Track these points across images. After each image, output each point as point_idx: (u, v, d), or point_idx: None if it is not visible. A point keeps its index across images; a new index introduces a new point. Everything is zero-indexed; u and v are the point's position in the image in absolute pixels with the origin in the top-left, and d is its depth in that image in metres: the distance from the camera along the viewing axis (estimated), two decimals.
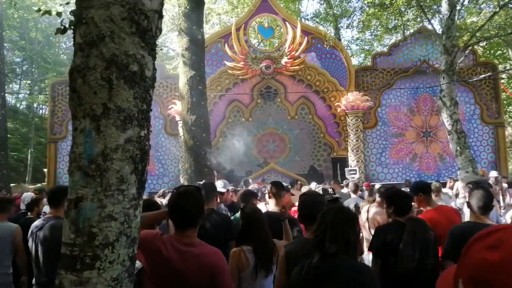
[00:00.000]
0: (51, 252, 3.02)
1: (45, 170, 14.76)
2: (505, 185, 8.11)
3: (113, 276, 1.43)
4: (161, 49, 19.71)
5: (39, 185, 14.74)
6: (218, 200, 4.92)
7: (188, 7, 7.68)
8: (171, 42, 26.81)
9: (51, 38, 23.66)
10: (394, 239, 2.75)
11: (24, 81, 25.61)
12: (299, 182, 8.69)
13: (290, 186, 7.43)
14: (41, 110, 27.38)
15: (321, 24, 21.02)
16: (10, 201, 4.68)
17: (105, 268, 1.42)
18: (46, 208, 4.77)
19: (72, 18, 1.66)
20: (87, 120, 1.50)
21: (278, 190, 3.72)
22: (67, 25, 1.88)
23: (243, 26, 13.95)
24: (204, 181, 6.24)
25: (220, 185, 5.17)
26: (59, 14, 2.24)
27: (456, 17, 8.17)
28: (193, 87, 7.45)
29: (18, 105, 27.28)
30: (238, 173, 13.59)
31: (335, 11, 20.29)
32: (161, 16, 1.71)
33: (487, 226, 2.79)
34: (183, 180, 7.87)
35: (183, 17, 7.72)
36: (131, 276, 1.53)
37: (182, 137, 8.66)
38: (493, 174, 8.53)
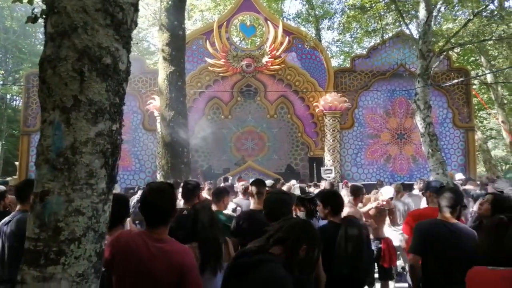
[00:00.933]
0: (16, 247, 2.93)
1: (17, 163, 14.32)
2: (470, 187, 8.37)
3: (78, 271, 1.40)
4: (137, 43, 19.43)
5: (9, 178, 14.29)
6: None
7: (170, 2, 7.59)
8: (152, 37, 26.44)
9: (27, 27, 22.93)
10: (330, 241, 2.73)
11: None
12: (281, 180, 8.71)
13: (271, 184, 7.46)
14: (14, 102, 26.52)
15: (303, 25, 21.17)
16: None
17: (70, 264, 1.39)
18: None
19: (44, 7, 1.62)
20: (56, 112, 1.46)
21: (260, 188, 3.72)
22: (38, 14, 1.82)
23: (225, 23, 13.91)
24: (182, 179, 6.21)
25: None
26: (30, 2, 2.18)
27: (432, 22, 8.38)
28: (173, 83, 7.38)
29: None
30: (216, 170, 13.56)
31: (316, 12, 20.46)
32: (136, 9, 1.68)
33: (451, 225, 2.89)
34: (159, 176, 7.79)
35: (165, 12, 7.63)
36: (98, 272, 1.50)
37: (160, 133, 8.56)
38: (459, 176, 8.81)
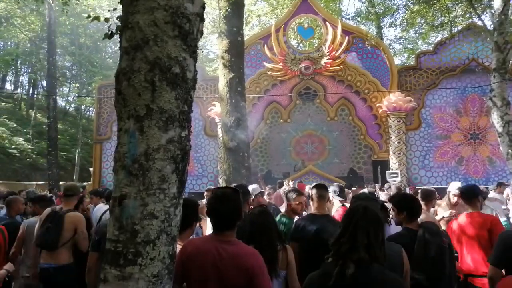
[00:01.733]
0: None
1: (91, 169, 15.45)
2: None
3: (154, 272, 1.47)
4: (201, 51, 20.15)
5: (85, 183, 15.47)
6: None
7: (228, 10, 7.78)
8: (212, 44, 27.30)
9: (99, 43, 24.80)
10: (406, 249, 2.49)
11: (73, 84, 26.99)
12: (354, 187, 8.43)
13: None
14: (88, 112, 28.78)
15: (363, 23, 20.56)
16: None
17: (146, 265, 1.46)
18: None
19: (119, 23, 1.73)
20: (131, 121, 1.55)
21: (321, 192, 3.66)
22: (114, 30, 1.95)
23: (282, 27, 13.94)
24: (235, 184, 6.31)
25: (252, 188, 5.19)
26: (107, 20, 2.34)
27: (509, 11, 7.74)
28: (233, 89, 7.53)
29: (67, 107, 28.84)
30: (276, 174, 13.59)
31: (377, 10, 19.78)
32: (202, 19, 1.74)
33: None
34: (221, 181, 7.98)
35: (223, 20, 7.83)
36: (171, 273, 1.56)
37: (221, 138, 8.78)
38: None
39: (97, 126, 14.88)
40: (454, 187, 4.57)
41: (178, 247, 2.15)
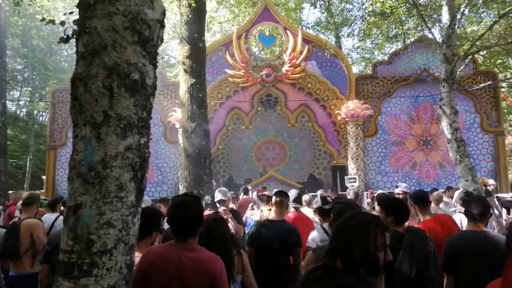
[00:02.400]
0: None
1: (44, 177, 14.74)
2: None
3: (110, 283, 1.44)
4: (162, 57, 19.87)
5: (37, 192, 14.70)
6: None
7: (189, 16, 7.73)
8: (172, 50, 26.98)
9: (53, 45, 23.79)
10: (393, 252, 2.58)
11: (25, 88, 25.68)
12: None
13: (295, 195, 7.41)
14: (41, 117, 27.45)
15: (322, 33, 21.14)
16: None
17: (102, 275, 1.42)
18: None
19: (75, 27, 1.68)
20: (87, 128, 1.51)
21: (282, 198, 3.73)
22: (70, 34, 1.90)
23: (244, 34, 14.05)
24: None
25: (219, 194, 5.18)
26: (62, 23, 2.27)
27: (456, 26, 8.22)
28: (194, 95, 7.47)
29: (18, 112, 27.33)
30: (238, 180, 13.59)
31: (336, 20, 20.41)
32: (162, 26, 1.73)
33: (484, 233, 2.76)
34: (182, 188, 7.87)
35: (185, 26, 7.77)
36: (128, 284, 1.53)
37: (182, 144, 8.67)
38: (491, 181, 8.55)
39: (51, 132, 14.24)
40: (398, 189, 4.78)
41: (137, 256, 2.11)
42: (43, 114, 26.21)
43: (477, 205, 2.85)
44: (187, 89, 7.53)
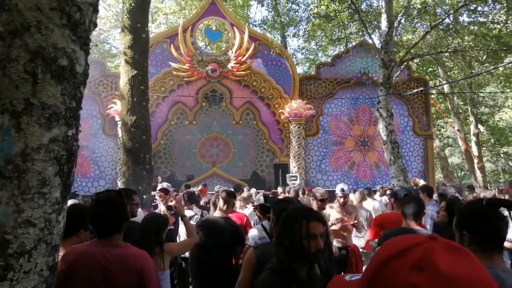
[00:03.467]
0: None
1: None
2: None
3: (28, 287, 1.31)
4: (96, 45, 18.87)
5: None
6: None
7: (132, 4, 7.41)
8: (114, 39, 25.80)
9: None
10: None
11: None
12: (244, 188, 8.72)
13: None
14: None
15: (269, 31, 21.37)
16: None
17: (19, 279, 1.29)
18: None
19: None
20: (6, 116, 1.36)
21: (229, 198, 3.72)
22: None
23: (190, 27, 13.79)
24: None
25: (165, 185, 5.07)
26: None
27: (393, 33, 8.69)
28: (135, 87, 7.19)
29: None
30: (180, 177, 13.34)
31: (282, 19, 20.73)
32: (96, 10, 1.61)
33: (412, 231, 2.93)
34: (120, 183, 7.55)
35: (127, 14, 7.44)
36: (50, 287, 1.41)
37: (121, 138, 8.32)
38: (422, 182, 9.15)
39: None
40: (338, 189, 4.96)
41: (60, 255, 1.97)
42: None
43: (413, 204, 3.04)
44: (128, 81, 7.23)
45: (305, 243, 1.72)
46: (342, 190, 4.76)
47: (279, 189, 8.68)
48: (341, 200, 4.80)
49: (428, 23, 11.01)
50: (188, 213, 4.62)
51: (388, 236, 3.00)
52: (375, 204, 6.46)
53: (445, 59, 17.20)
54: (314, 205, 4.50)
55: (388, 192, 7.94)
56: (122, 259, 1.92)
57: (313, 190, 5.57)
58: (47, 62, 1.40)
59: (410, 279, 0.58)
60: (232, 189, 4.13)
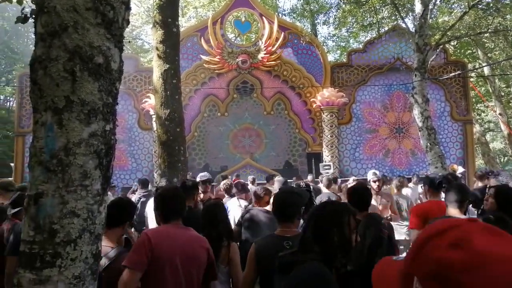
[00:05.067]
0: None
1: (12, 164, 14.26)
2: None
3: (75, 274, 1.40)
4: (129, 41, 19.28)
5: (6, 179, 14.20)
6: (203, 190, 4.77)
7: (163, 0, 7.53)
8: (146, 34, 26.33)
9: (19, 27, 22.80)
10: None
11: None
12: (275, 177, 8.76)
13: (266, 181, 7.44)
14: (8, 103, 26.39)
15: (298, 20, 21.11)
16: None
17: (66, 266, 1.38)
18: None
19: (34, 6, 1.59)
20: (48, 113, 1.45)
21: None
22: (28, 14, 1.80)
23: (219, 20, 13.84)
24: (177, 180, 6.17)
25: (203, 175, 5.06)
26: (20, 2, 2.15)
27: (428, 16, 8.36)
28: (167, 81, 7.32)
29: None
30: (214, 168, 13.53)
31: (312, 7, 20.40)
32: (128, 8, 1.66)
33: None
34: (156, 176, 7.77)
35: (158, 9, 7.56)
36: (95, 274, 1.49)
37: (156, 131, 8.53)
38: (461, 169, 8.84)
39: (19, 118, 13.74)
40: (369, 175, 4.86)
41: (105, 245, 2.10)
42: (10, 99, 25.20)
43: (455, 191, 2.92)
44: (160, 75, 7.38)
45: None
46: (375, 174, 4.68)
47: (309, 177, 8.63)
48: (376, 185, 4.70)
49: (466, 3, 10.51)
50: (242, 202, 4.66)
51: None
52: (408, 191, 6.31)
53: (485, 40, 16.38)
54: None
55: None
56: (195, 238, 2.35)
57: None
58: (84, 61, 1.47)
59: (446, 254, 0.63)
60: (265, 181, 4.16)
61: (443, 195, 4.20)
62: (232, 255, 2.73)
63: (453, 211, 2.88)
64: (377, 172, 4.78)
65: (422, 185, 5.39)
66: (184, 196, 2.48)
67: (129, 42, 20.27)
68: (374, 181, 4.67)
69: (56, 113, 1.44)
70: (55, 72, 1.44)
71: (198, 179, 4.82)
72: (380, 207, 4.58)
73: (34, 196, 1.41)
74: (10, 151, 19.69)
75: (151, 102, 12.46)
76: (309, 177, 8.61)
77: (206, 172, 5.29)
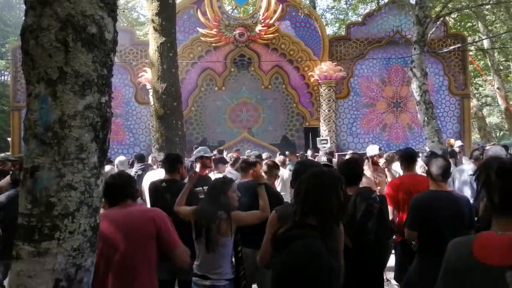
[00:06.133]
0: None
1: (9, 139, 14.20)
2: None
3: (74, 246, 1.40)
4: (123, 11, 18.84)
5: (2, 154, 14.19)
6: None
7: None
8: (142, 7, 25.73)
9: None
10: None
11: None
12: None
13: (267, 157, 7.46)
14: (2, 77, 26.01)
15: None
16: None
17: (65, 239, 1.38)
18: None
19: None
20: (42, 85, 1.42)
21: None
22: None
23: None
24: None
25: (201, 150, 5.01)
26: None
27: None
28: (164, 54, 7.19)
29: None
30: (211, 142, 13.54)
31: None
32: None
33: (447, 193, 2.86)
34: (154, 150, 7.77)
35: None
36: (93, 246, 1.50)
37: (153, 105, 8.45)
38: (458, 143, 8.87)
39: (14, 92, 13.58)
40: (373, 150, 4.86)
41: None
42: (5, 73, 24.82)
43: (438, 165, 2.91)
44: (157, 48, 7.24)
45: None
46: (380, 149, 4.70)
47: (309, 152, 8.64)
48: (382, 160, 4.75)
49: None
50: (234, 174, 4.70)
51: (420, 201, 2.90)
52: (397, 166, 6.36)
53: (486, 12, 16.10)
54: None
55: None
56: (138, 212, 2.34)
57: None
58: (77, 30, 1.42)
59: None
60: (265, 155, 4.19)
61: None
62: (238, 221, 2.77)
63: (441, 184, 2.88)
64: (377, 148, 4.80)
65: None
66: (127, 182, 2.46)
67: (123, 11, 19.81)
68: (381, 157, 4.74)
69: (49, 85, 1.40)
70: (47, 42, 1.39)
71: (194, 157, 4.88)
72: (377, 181, 4.61)
73: (30, 169, 1.40)
74: (6, 126, 19.55)
75: (147, 76, 12.31)
76: (309, 152, 8.58)
77: (201, 147, 5.23)
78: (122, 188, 2.37)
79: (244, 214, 2.86)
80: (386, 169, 4.68)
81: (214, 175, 4.66)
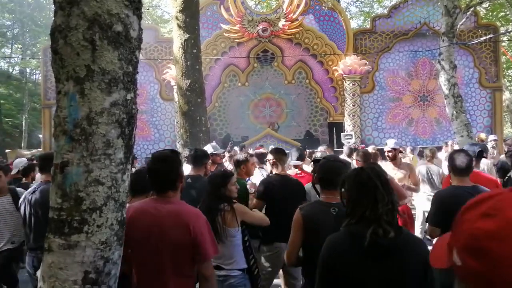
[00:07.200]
0: (42, 216, 3.05)
1: (41, 135, 14.71)
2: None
3: (101, 239, 1.44)
4: (148, 9, 19.07)
5: (34, 150, 14.73)
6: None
7: None
8: (166, 4, 26.02)
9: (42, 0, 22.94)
10: None
11: (16, 45, 24.99)
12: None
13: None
14: (34, 75, 26.95)
15: None
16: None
17: (93, 232, 1.43)
18: (38, 176, 4.78)
19: None
20: (70, 83, 1.46)
21: (280, 156, 3.78)
22: None
23: None
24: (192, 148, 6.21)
25: (210, 147, 5.05)
26: None
27: None
28: (188, 51, 7.28)
29: (10, 70, 26.80)
30: (235, 138, 13.59)
31: None
32: None
33: (470, 188, 2.78)
34: (179, 146, 7.87)
35: None
36: (120, 240, 1.54)
37: (177, 102, 8.57)
38: (491, 137, 8.57)
39: (45, 90, 14.03)
40: (388, 145, 4.82)
41: None
42: (36, 72, 25.70)
43: (461, 159, 2.84)
44: (180, 45, 7.33)
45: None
46: (396, 143, 4.70)
47: (321, 148, 8.40)
48: (391, 155, 4.75)
49: None
50: (263, 172, 4.71)
51: (442, 197, 2.85)
52: (439, 160, 6.28)
53: None
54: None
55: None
56: (173, 214, 1.97)
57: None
58: (104, 29, 1.45)
59: (477, 224, 0.63)
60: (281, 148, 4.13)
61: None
62: (241, 213, 2.81)
63: (464, 179, 2.84)
64: (393, 142, 4.79)
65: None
66: (177, 162, 2.15)
67: (148, 9, 20.09)
68: (388, 152, 4.72)
69: (77, 83, 1.44)
70: (75, 41, 1.43)
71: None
72: (396, 179, 4.52)
73: (60, 165, 1.45)
74: (38, 123, 20.26)
75: (172, 73, 12.47)
76: (321, 148, 8.23)
77: (210, 145, 5.24)
78: (165, 176, 2.06)
79: (248, 211, 2.90)
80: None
81: (258, 171, 4.67)
